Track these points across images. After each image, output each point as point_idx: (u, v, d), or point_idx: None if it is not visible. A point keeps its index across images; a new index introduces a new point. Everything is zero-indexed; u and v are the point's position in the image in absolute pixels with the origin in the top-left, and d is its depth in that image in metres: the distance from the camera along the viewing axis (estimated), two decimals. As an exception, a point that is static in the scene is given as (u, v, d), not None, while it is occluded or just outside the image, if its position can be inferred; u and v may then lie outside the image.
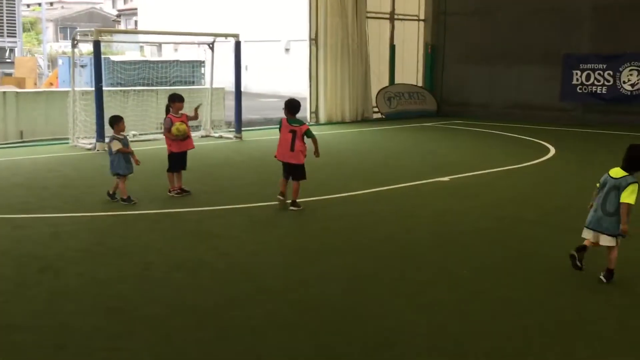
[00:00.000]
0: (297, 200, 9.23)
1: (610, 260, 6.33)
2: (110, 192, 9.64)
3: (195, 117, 10.57)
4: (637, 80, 19.17)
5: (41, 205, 9.39)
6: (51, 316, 5.52)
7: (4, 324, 5.35)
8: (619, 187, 6.15)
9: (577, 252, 6.41)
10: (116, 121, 9.63)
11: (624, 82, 19.40)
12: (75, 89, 15.47)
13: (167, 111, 10.05)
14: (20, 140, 16.30)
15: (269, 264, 6.97)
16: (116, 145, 9.41)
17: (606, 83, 19.74)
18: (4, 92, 17.00)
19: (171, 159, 10.00)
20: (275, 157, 9.42)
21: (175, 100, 10.10)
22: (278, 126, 9.36)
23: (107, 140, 9.95)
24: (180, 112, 10.06)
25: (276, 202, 9.28)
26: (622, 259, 6.46)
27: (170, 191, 9.98)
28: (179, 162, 10.03)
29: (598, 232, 6.31)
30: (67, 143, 15.25)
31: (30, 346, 4.98)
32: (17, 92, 17.40)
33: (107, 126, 15.07)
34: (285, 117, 9.23)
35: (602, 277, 6.38)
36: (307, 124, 9.98)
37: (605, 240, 6.28)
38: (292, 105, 9.24)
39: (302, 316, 5.61)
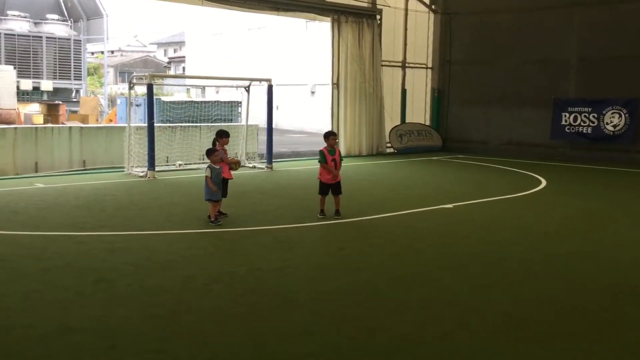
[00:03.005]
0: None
1: None
2: (212, 219, 9.46)
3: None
4: (619, 122, 19.01)
5: (98, 224, 9.47)
6: (105, 320, 5.55)
7: (64, 327, 5.39)
8: None
9: None
10: (213, 152, 9.54)
11: (607, 124, 19.23)
12: (131, 124, 15.68)
13: (214, 144, 9.95)
14: (83, 168, 16.54)
15: (292, 279, 6.96)
16: (207, 172, 9.33)
17: (591, 124, 19.58)
18: (70, 127, 17.31)
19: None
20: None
21: (223, 135, 10.08)
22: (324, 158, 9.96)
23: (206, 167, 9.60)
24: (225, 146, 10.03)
25: (300, 225, 9.29)
26: None
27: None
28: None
29: None
30: (123, 171, 15.41)
31: (86, 346, 5.00)
32: (81, 127, 17.70)
33: (159, 155, 15.48)
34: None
35: None
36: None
37: None
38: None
39: (321, 326, 5.57)
